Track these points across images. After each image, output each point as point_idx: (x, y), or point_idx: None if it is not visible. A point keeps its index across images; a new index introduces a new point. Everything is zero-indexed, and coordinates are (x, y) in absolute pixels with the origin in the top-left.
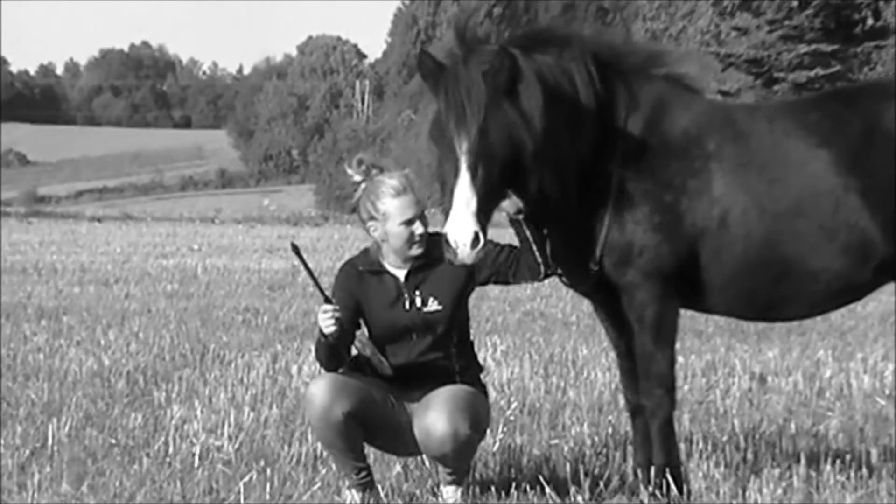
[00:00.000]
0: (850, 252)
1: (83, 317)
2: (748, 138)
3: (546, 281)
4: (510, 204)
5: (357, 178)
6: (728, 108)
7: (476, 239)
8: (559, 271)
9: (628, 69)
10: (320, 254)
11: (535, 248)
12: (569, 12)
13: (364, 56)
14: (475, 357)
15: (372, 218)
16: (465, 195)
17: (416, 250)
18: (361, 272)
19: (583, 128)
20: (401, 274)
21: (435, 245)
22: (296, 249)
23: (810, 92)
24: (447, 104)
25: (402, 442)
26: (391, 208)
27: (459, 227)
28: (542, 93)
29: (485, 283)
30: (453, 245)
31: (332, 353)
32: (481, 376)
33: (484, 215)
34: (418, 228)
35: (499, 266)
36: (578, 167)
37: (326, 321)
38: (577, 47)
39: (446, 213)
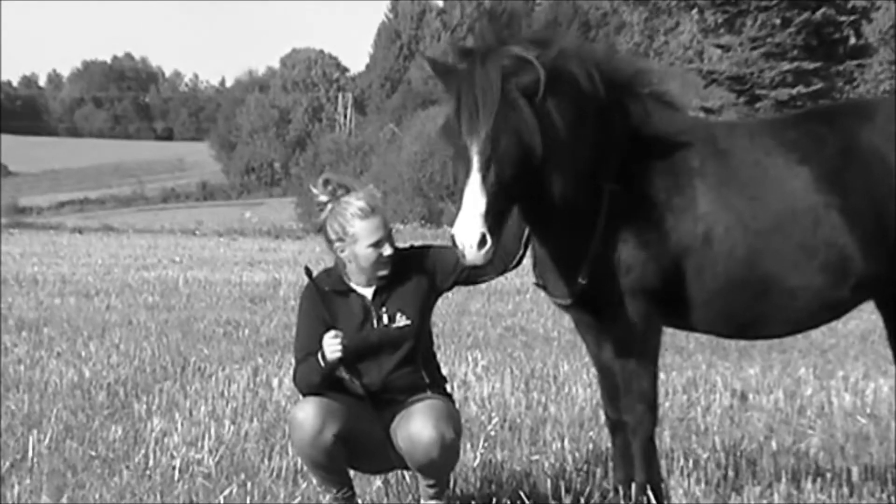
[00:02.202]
0: (830, 270)
1: (64, 328)
2: (729, 156)
3: (528, 296)
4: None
5: (323, 198)
6: (709, 125)
7: (483, 240)
8: (542, 283)
9: (616, 84)
10: (302, 267)
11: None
12: (551, 27)
13: (347, 70)
14: (439, 368)
15: (339, 239)
16: (474, 196)
17: (383, 272)
18: (327, 293)
19: (590, 135)
20: (367, 292)
21: (399, 260)
22: (308, 273)
23: (793, 109)
24: (461, 104)
25: (384, 458)
26: (359, 231)
27: (467, 229)
28: (558, 97)
29: (450, 289)
30: (460, 246)
31: (327, 379)
32: (446, 387)
33: (493, 217)
34: (386, 250)
35: (462, 267)
36: (585, 174)
37: (334, 347)
38: (575, 56)
39: (455, 215)
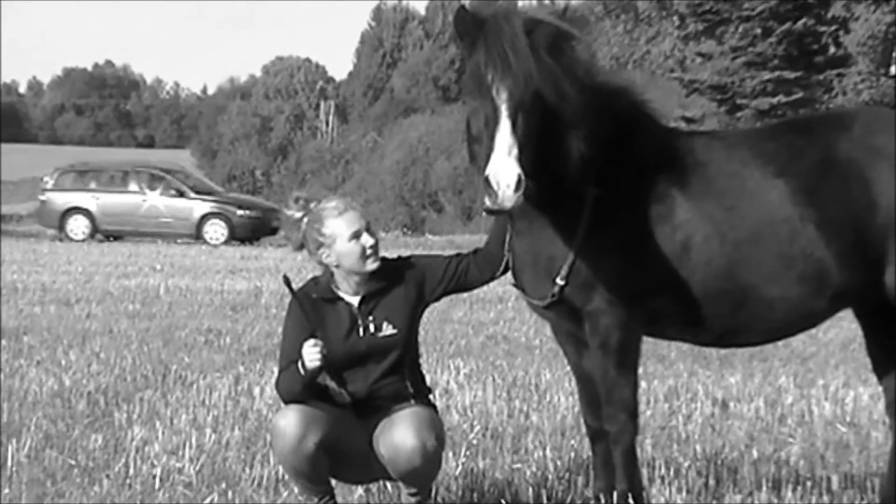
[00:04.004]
0: (807, 281)
1: (44, 336)
2: (707, 166)
3: (510, 304)
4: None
5: (297, 214)
6: (688, 135)
7: (519, 182)
8: (518, 284)
9: (601, 91)
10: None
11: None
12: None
13: (330, 79)
14: (424, 378)
15: (320, 245)
16: (506, 141)
17: (371, 263)
18: (315, 300)
19: (590, 117)
20: (354, 301)
21: (387, 270)
22: (287, 282)
23: (773, 118)
24: (488, 54)
25: (366, 467)
26: (336, 227)
27: (503, 168)
28: (568, 59)
29: (439, 298)
30: (495, 186)
31: (308, 387)
32: (430, 396)
33: (523, 167)
34: (367, 240)
35: (450, 276)
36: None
37: (313, 356)
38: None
39: (486, 159)
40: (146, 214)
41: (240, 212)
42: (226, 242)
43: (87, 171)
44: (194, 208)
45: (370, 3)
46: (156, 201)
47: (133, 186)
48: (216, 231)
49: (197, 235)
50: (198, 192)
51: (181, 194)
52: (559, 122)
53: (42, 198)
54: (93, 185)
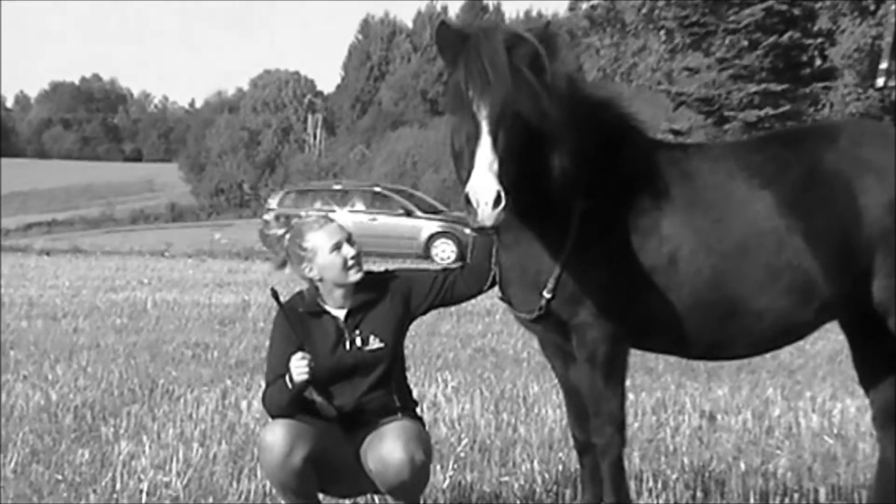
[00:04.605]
0: (795, 292)
1: (31, 351)
2: (693, 178)
3: (497, 317)
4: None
5: (279, 231)
6: (674, 147)
7: (498, 198)
8: (505, 297)
9: (587, 103)
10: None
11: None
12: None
13: (318, 92)
14: (410, 391)
15: (302, 259)
16: (487, 157)
17: (355, 274)
18: (301, 314)
19: (574, 132)
20: (340, 314)
21: (374, 283)
22: (275, 295)
23: (761, 131)
24: (468, 71)
25: (354, 481)
26: (316, 240)
27: (482, 186)
28: (559, 73)
29: (425, 312)
30: (474, 204)
31: (296, 401)
32: (417, 410)
33: (504, 180)
34: (349, 251)
35: (437, 290)
36: (581, 165)
37: (301, 369)
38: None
39: (467, 176)
40: (375, 234)
41: (468, 230)
42: (455, 261)
43: (308, 191)
44: (423, 228)
45: (358, 15)
46: (384, 221)
47: (359, 206)
48: (444, 250)
49: (425, 255)
50: (424, 212)
51: (409, 213)
52: (542, 138)
53: (266, 217)
54: (318, 205)
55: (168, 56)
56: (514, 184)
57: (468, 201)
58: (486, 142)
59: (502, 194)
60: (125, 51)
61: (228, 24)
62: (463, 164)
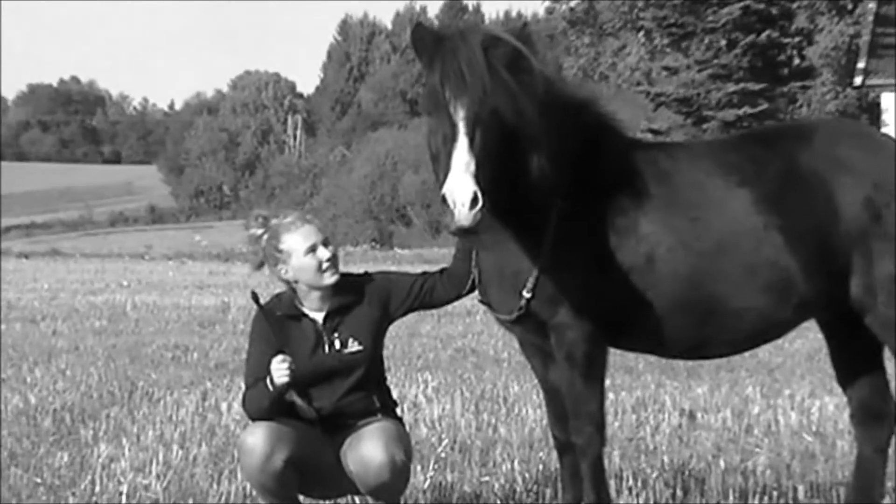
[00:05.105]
0: (773, 290)
1: (9, 354)
2: (671, 177)
3: (478, 317)
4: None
5: (258, 231)
6: (651, 146)
7: (475, 199)
8: (485, 299)
9: (566, 103)
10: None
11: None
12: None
13: (299, 94)
14: (390, 392)
15: (277, 261)
16: (463, 158)
17: (329, 277)
18: (279, 317)
19: (553, 131)
20: (318, 317)
21: (352, 286)
22: (255, 298)
23: (739, 130)
24: (445, 73)
25: (334, 483)
26: (291, 243)
27: (459, 186)
28: (529, 75)
29: (404, 315)
30: (451, 205)
31: (276, 403)
32: (397, 411)
33: (481, 182)
34: (324, 254)
35: (416, 294)
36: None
37: (282, 372)
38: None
39: (444, 177)
40: None
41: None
42: None
43: None
44: None
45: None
46: None
47: None
48: None
49: None
50: None
51: None
52: (520, 138)
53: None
54: None
55: (147, 58)
56: (492, 184)
57: (445, 202)
58: (462, 143)
59: (479, 195)
60: (104, 53)
61: (208, 26)
62: (440, 165)
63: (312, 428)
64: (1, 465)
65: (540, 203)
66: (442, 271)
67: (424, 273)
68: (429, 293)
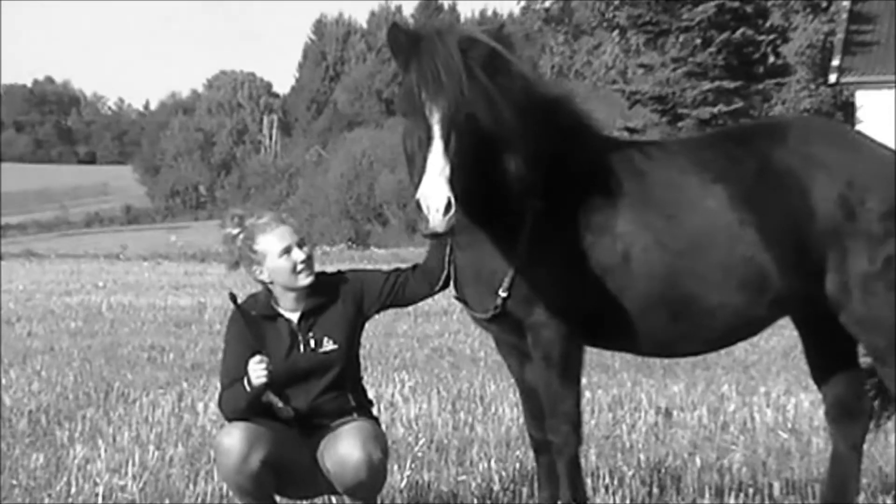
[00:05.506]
0: (748, 287)
1: None
2: (646, 175)
3: (454, 317)
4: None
5: (234, 231)
6: (627, 144)
7: (449, 205)
8: (461, 297)
9: (542, 101)
10: (227, 291)
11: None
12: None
13: (274, 94)
14: (366, 392)
15: (253, 263)
16: (438, 163)
17: (304, 279)
18: (254, 317)
19: (530, 132)
20: (294, 317)
21: (326, 285)
22: (233, 299)
23: (715, 128)
24: (421, 74)
25: (311, 483)
26: (266, 244)
27: (433, 192)
28: (506, 77)
29: (378, 312)
30: (425, 210)
31: (253, 404)
32: (372, 410)
33: (455, 186)
34: (298, 255)
35: (388, 291)
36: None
37: (259, 372)
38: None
39: (418, 181)
40: None
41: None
42: None
43: None
44: None
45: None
46: None
47: None
48: None
49: None
50: None
51: None
52: (496, 140)
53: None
54: None
55: (122, 58)
56: (468, 185)
57: (419, 207)
58: (437, 146)
59: (453, 201)
60: (78, 53)
61: (183, 25)
62: (415, 167)
63: (289, 428)
64: None
65: (516, 203)
66: (415, 267)
67: (397, 269)
68: (401, 289)
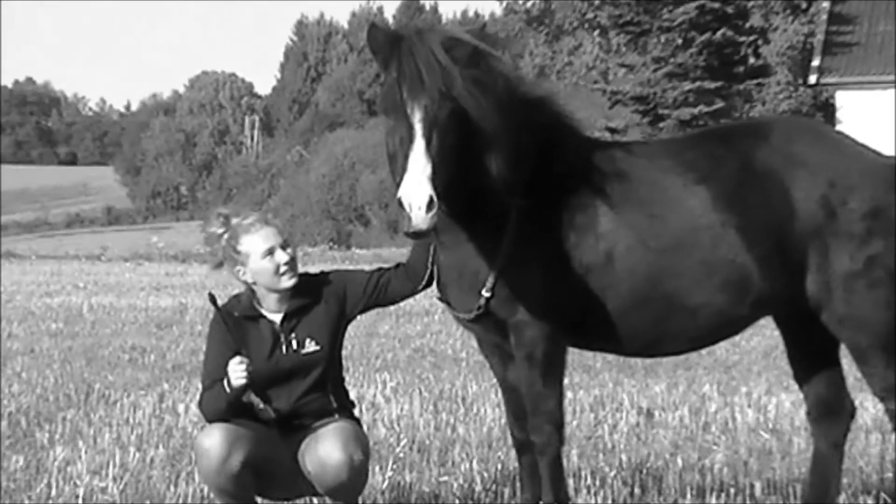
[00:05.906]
0: (730, 287)
1: None
2: (628, 175)
3: (436, 317)
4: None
5: (219, 230)
6: (609, 144)
7: (431, 202)
8: (444, 297)
9: (524, 102)
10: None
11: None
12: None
13: (256, 95)
14: (348, 393)
15: (236, 263)
16: (420, 162)
17: (287, 280)
18: (237, 318)
19: (512, 130)
20: (276, 318)
21: (309, 286)
22: (213, 300)
23: (695, 128)
24: (402, 74)
25: (292, 484)
26: (249, 245)
27: (415, 190)
28: (497, 73)
29: (362, 312)
30: (407, 208)
31: (234, 405)
32: (354, 411)
33: (437, 184)
34: (281, 257)
35: (371, 291)
36: (516, 168)
37: (239, 373)
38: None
39: (400, 179)
40: None
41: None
42: None
43: None
44: None
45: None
46: None
47: None
48: None
49: None
50: None
51: None
52: (478, 139)
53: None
54: None
55: (103, 58)
56: (450, 185)
57: (401, 206)
58: (419, 145)
59: (435, 199)
60: (59, 54)
61: (165, 25)
62: (397, 166)
63: (270, 429)
64: None
65: (499, 202)
66: (398, 266)
67: (380, 269)
68: (384, 288)
